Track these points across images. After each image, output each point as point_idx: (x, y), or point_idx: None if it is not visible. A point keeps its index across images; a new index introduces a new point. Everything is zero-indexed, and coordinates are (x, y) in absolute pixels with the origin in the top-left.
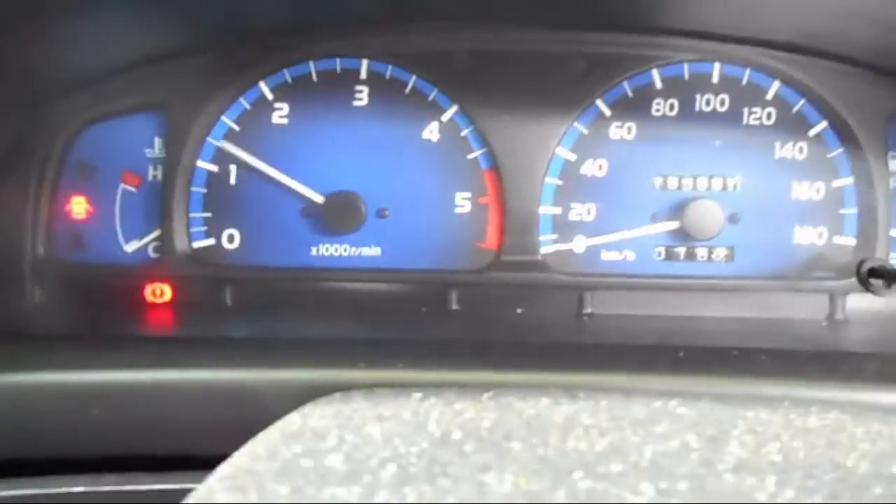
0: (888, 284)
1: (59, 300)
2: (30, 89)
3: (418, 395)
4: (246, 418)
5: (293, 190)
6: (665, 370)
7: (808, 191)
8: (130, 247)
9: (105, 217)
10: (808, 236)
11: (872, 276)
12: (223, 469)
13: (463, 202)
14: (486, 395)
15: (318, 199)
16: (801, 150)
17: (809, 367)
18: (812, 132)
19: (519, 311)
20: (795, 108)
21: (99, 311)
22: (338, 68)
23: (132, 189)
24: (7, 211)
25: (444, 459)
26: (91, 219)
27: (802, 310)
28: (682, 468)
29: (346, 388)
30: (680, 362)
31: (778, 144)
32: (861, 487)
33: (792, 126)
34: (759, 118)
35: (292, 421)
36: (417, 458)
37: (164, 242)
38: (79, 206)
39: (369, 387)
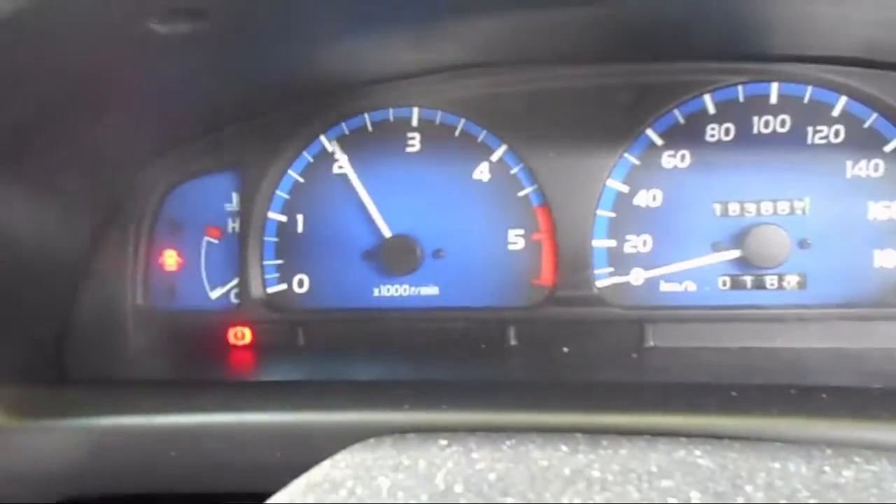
0: None
1: (156, 346)
2: (124, 157)
3: (443, 442)
4: (301, 456)
5: (356, 235)
6: (717, 412)
7: (886, 210)
8: (215, 294)
9: (193, 268)
10: (890, 259)
11: None
12: None
13: (516, 239)
14: (507, 443)
15: (374, 247)
16: (875, 167)
17: (877, 409)
18: (887, 148)
19: (565, 350)
20: (867, 123)
21: (189, 355)
22: (391, 117)
23: (215, 241)
24: (111, 266)
25: None
26: (181, 270)
27: (887, 340)
28: None
29: (397, 429)
30: (732, 403)
31: (850, 163)
32: None
33: (864, 142)
34: (826, 137)
35: (321, 469)
36: None
37: (243, 289)
38: (170, 259)
39: (415, 429)
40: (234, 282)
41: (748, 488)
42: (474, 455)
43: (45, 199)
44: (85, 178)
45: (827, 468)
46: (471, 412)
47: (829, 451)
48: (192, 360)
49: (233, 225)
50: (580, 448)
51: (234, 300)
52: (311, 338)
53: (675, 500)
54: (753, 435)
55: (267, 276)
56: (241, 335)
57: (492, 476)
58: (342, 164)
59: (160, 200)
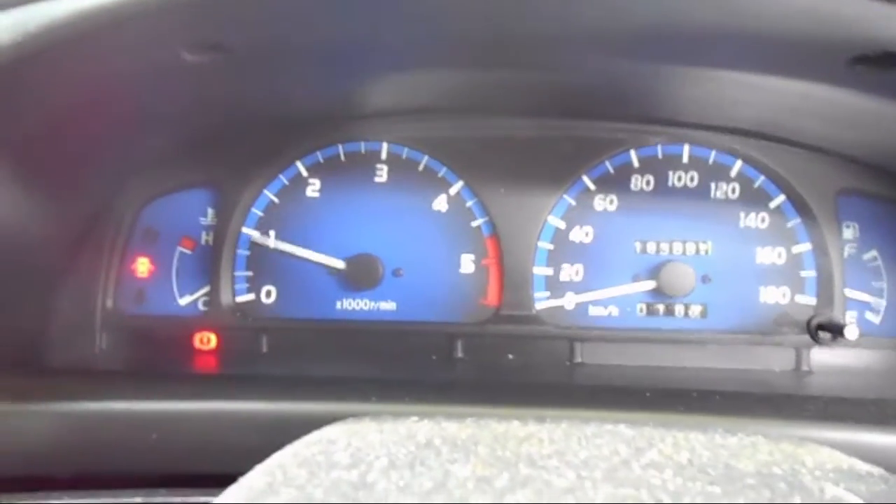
0: (834, 337)
1: (122, 346)
2: (113, 168)
3: (415, 418)
4: (277, 442)
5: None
6: (633, 407)
7: (770, 255)
8: (184, 301)
9: (164, 275)
10: (773, 296)
11: (821, 329)
12: (265, 463)
13: (467, 264)
14: (470, 420)
15: (339, 264)
16: (762, 220)
17: (757, 406)
18: (772, 204)
19: (510, 356)
20: (756, 184)
21: (154, 356)
22: (362, 150)
23: (188, 251)
24: (85, 269)
25: (423, 455)
26: (152, 277)
27: (775, 362)
28: (604, 464)
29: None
30: (646, 400)
31: (742, 215)
32: (737, 479)
33: (754, 199)
34: (725, 192)
35: (312, 435)
36: (404, 455)
37: (212, 297)
38: (143, 266)
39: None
40: (204, 290)
41: (660, 445)
42: (444, 425)
43: (35, 201)
44: (73, 185)
45: (717, 437)
46: (432, 405)
47: (719, 429)
48: (157, 360)
49: (206, 237)
50: (530, 423)
51: (202, 307)
52: (274, 345)
53: (607, 450)
54: (663, 425)
55: (236, 286)
56: (207, 340)
57: (463, 435)
58: (315, 188)
59: (138, 211)
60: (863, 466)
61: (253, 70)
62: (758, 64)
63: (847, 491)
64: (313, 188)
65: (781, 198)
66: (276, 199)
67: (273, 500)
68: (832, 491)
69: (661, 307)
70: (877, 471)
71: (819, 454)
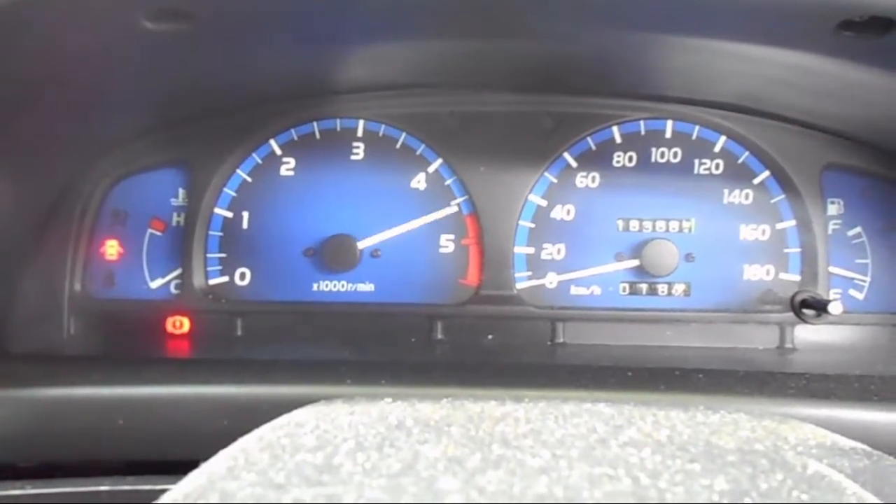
0: (818, 314)
1: (92, 331)
2: (74, 148)
3: (388, 399)
4: (251, 427)
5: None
6: (615, 386)
7: (754, 232)
8: (155, 284)
9: (134, 258)
10: (757, 273)
11: (804, 306)
12: (228, 448)
13: (447, 243)
14: (445, 400)
15: (327, 232)
16: (746, 196)
17: (740, 384)
18: (756, 181)
19: (490, 337)
20: (740, 160)
21: (125, 341)
22: (338, 127)
23: (158, 233)
24: (51, 252)
25: (393, 437)
26: (122, 259)
27: (758, 340)
28: (580, 443)
29: None
30: (628, 380)
31: (726, 191)
32: (718, 456)
33: (738, 175)
34: (709, 168)
35: (280, 418)
36: (373, 436)
37: (185, 280)
38: (112, 249)
39: None
40: (176, 273)
41: (640, 423)
42: (418, 406)
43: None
44: (39, 163)
45: (699, 414)
46: (408, 387)
47: (701, 407)
48: (128, 345)
49: (177, 219)
50: (507, 402)
51: (174, 290)
52: (250, 328)
53: (584, 429)
54: (645, 404)
55: (209, 269)
56: (180, 324)
57: (436, 416)
58: (290, 167)
59: (106, 192)
60: (846, 442)
61: (220, 41)
62: (743, 32)
63: (830, 467)
64: (287, 167)
65: (766, 174)
66: (249, 179)
67: (233, 485)
68: (815, 467)
69: (643, 286)
70: (860, 446)
71: (801, 430)
